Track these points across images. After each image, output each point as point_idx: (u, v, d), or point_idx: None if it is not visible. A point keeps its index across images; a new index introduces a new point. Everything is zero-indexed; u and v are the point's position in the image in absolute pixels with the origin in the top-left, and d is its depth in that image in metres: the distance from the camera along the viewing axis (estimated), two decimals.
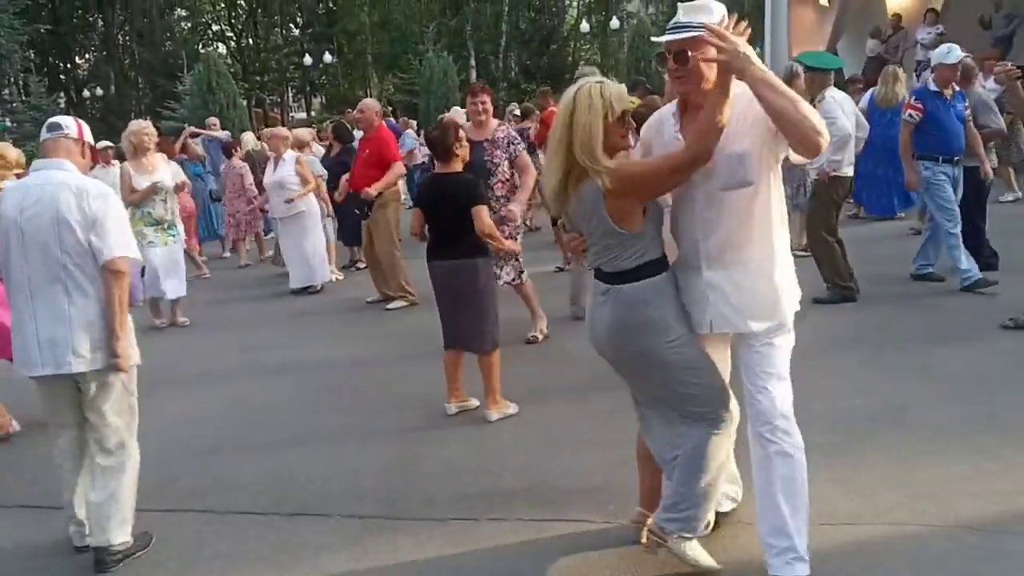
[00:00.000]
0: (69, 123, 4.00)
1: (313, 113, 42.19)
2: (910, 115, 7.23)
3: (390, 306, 8.66)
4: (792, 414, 3.15)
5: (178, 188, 8.50)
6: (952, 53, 7.10)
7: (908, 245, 8.42)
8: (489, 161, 6.42)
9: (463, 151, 5.23)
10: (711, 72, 3.00)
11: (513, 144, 6.55)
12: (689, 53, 3.01)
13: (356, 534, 3.97)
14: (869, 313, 6.85)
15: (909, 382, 5.22)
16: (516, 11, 38.27)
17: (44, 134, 3.97)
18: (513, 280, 6.63)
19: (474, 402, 5.40)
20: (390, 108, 24.35)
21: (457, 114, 8.43)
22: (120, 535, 3.89)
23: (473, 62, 36.06)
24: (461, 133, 5.25)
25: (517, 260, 6.62)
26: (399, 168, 8.77)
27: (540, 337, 6.84)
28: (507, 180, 6.56)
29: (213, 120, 16.18)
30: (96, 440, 3.90)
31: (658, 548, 3.26)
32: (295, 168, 9.69)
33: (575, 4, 41.78)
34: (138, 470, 4.01)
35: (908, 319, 6.59)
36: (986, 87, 9.33)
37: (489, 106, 6.53)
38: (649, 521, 3.37)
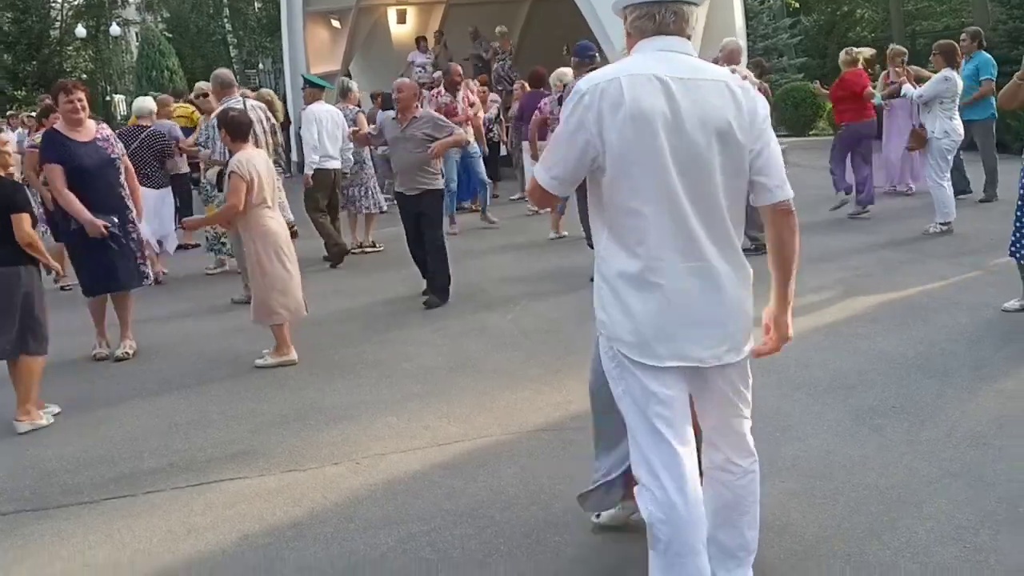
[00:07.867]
0: None
1: None
2: None
3: None
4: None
5: None
6: None
7: None
8: (119, 159, 6.33)
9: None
10: None
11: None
12: None
13: (7, 529, 3.92)
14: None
15: (469, 340, 6.39)
16: None
17: None
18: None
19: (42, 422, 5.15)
20: None
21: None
22: None
23: None
24: (3, 137, 5.02)
25: None
26: None
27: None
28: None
29: None
30: None
31: None
32: None
33: (63, 7, 38.47)
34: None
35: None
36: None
37: (86, 103, 6.23)
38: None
